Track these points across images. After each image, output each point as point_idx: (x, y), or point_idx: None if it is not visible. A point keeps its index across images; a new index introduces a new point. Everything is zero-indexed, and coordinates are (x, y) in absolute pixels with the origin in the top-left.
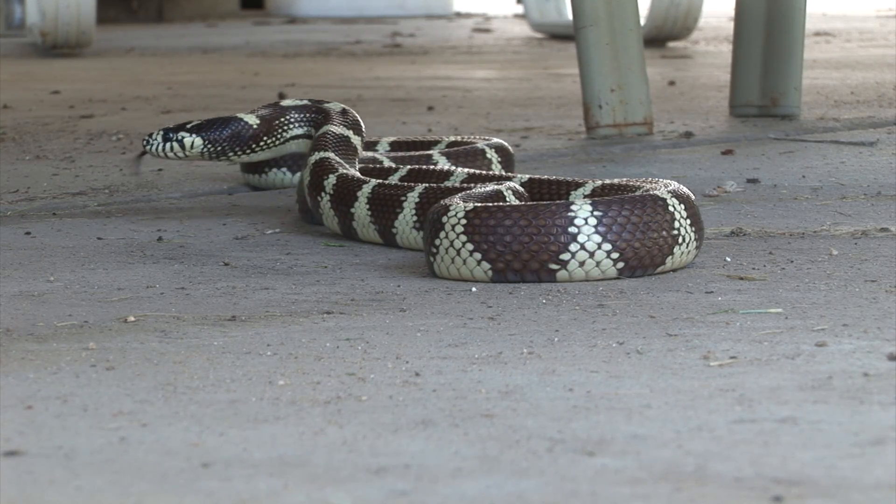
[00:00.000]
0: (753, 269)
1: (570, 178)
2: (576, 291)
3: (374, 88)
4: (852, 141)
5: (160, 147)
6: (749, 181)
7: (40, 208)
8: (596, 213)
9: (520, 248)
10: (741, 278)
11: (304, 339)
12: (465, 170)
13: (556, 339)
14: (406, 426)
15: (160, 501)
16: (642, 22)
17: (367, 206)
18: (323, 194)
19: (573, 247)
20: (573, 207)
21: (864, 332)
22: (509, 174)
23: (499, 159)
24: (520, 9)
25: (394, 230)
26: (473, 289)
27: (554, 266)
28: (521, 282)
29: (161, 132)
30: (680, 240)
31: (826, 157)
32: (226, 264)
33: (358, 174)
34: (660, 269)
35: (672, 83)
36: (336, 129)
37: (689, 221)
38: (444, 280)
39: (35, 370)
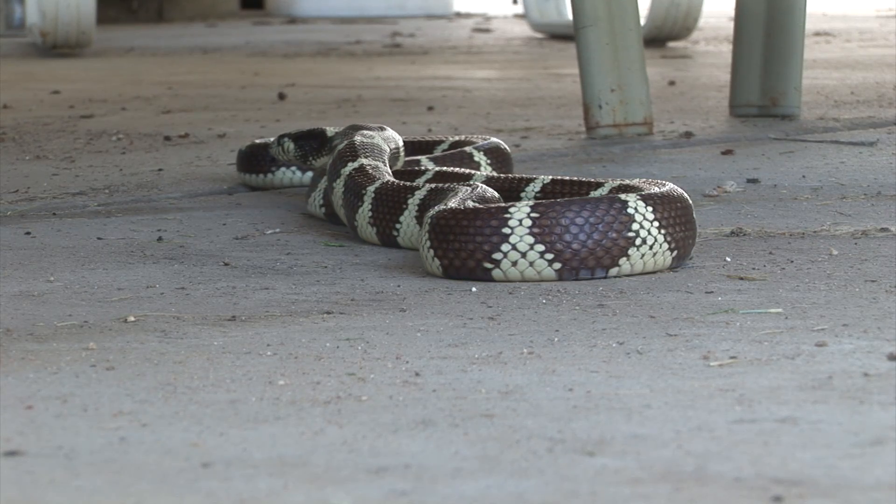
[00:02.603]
0: (753, 269)
1: (590, 179)
2: (576, 291)
3: (374, 88)
4: (852, 141)
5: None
6: (749, 181)
7: (40, 208)
8: (533, 214)
9: (459, 247)
10: (741, 278)
11: (304, 339)
12: (485, 173)
13: (556, 339)
14: (406, 426)
15: (160, 501)
16: (642, 22)
17: (343, 190)
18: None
19: (505, 247)
20: (511, 209)
21: (864, 332)
22: (531, 176)
23: (488, 161)
24: (520, 9)
25: (356, 223)
26: (473, 289)
27: (488, 265)
28: (462, 279)
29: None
30: (639, 242)
31: (826, 157)
32: (226, 264)
33: (359, 151)
34: (613, 271)
35: (672, 83)
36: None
37: (657, 224)
38: (444, 280)
39: (35, 370)
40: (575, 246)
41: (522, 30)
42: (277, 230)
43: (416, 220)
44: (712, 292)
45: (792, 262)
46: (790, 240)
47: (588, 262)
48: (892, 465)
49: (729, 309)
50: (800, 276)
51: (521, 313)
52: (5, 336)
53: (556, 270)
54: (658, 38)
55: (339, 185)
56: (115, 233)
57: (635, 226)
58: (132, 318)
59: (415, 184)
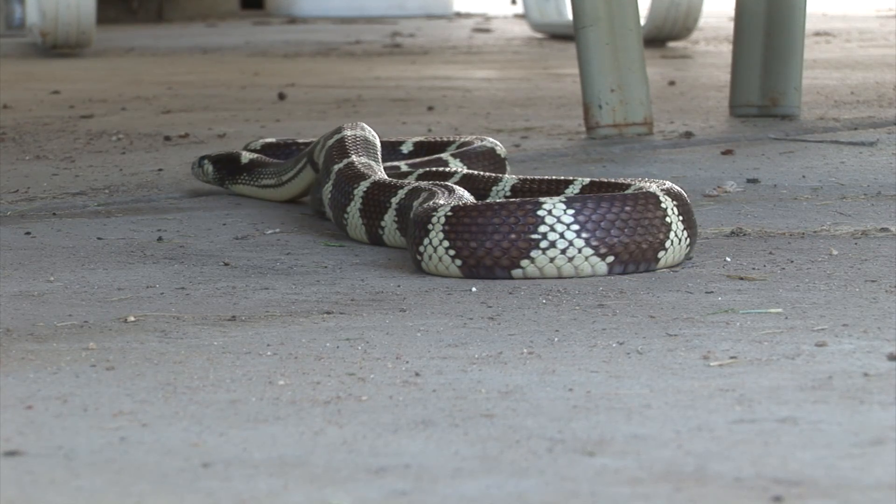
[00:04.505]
0: (753, 269)
1: (623, 181)
2: (576, 291)
3: (374, 88)
4: (852, 141)
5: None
6: (749, 181)
7: (40, 208)
8: (448, 213)
9: (410, 240)
10: (741, 278)
11: (304, 339)
12: (515, 177)
13: (556, 339)
14: (406, 426)
15: (160, 501)
16: (642, 22)
17: (322, 161)
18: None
19: (426, 241)
20: (438, 209)
21: (864, 332)
22: (570, 178)
23: (465, 167)
24: (519, 9)
25: (321, 198)
26: (473, 289)
27: (418, 257)
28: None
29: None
30: (544, 244)
31: (826, 157)
32: (226, 264)
33: (345, 126)
34: (516, 272)
35: (672, 83)
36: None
37: (577, 228)
38: (444, 279)
39: (35, 370)
40: (473, 244)
41: (522, 30)
42: (277, 230)
43: (359, 212)
44: (712, 292)
45: (792, 262)
46: (790, 240)
47: (485, 261)
48: (892, 465)
49: (729, 309)
50: (800, 276)
51: (521, 313)
52: (5, 336)
53: (458, 267)
54: (658, 38)
55: (320, 157)
56: (115, 233)
57: (543, 228)
58: (132, 318)
59: (366, 173)
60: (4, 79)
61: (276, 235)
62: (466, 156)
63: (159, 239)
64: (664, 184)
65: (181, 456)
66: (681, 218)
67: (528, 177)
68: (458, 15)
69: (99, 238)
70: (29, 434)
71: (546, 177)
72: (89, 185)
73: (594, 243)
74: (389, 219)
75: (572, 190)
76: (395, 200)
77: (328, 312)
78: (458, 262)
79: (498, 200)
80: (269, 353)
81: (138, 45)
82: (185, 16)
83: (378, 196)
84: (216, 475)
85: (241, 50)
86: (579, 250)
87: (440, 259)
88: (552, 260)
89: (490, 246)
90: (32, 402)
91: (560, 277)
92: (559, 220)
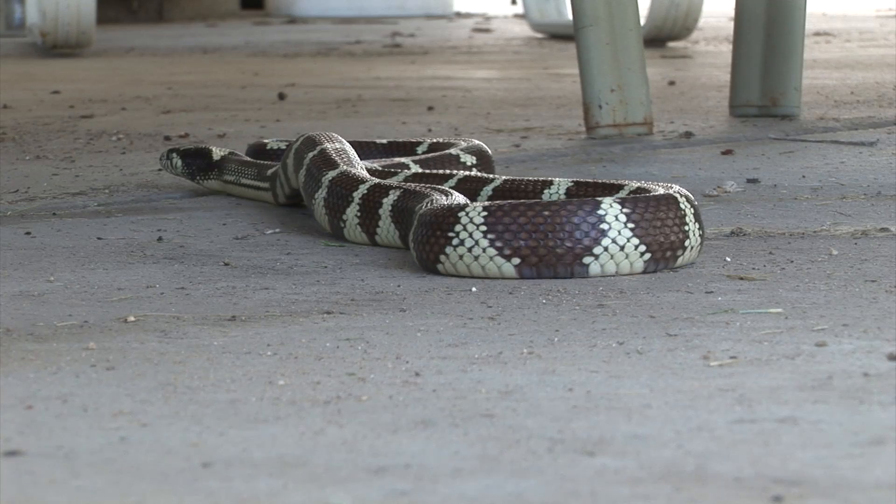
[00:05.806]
0: (753, 269)
1: (656, 184)
2: (576, 291)
3: (374, 88)
4: (852, 141)
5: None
6: (749, 181)
7: (40, 208)
8: (421, 212)
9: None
10: (741, 278)
11: (304, 339)
12: (569, 180)
13: (556, 339)
14: (406, 426)
15: (160, 501)
16: (642, 22)
17: (299, 145)
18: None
19: (409, 236)
20: (420, 209)
21: (864, 332)
22: (622, 182)
23: (419, 170)
24: (519, 9)
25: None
26: (473, 289)
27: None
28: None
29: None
30: (455, 242)
31: (826, 157)
32: (226, 264)
33: (332, 148)
34: (438, 266)
35: (672, 83)
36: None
37: (484, 229)
38: (444, 280)
39: (35, 370)
40: (413, 240)
41: (522, 30)
42: (277, 230)
43: (324, 201)
44: (712, 292)
45: (792, 262)
46: (790, 240)
47: (421, 254)
48: (892, 465)
49: (729, 309)
50: (800, 276)
51: (521, 313)
52: (5, 336)
53: (415, 259)
54: (658, 38)
55: (290, 158)
56: (115, 233)
57: (458, 228)
58: (132, 318)
59: (334, 161)
60: (4, 79)
61: (276, 235)
62: (425, 162)
63: (159, 239)
64: (671, 187)
65: (181, 456)
66: (631, 226)
67: (583, 180)
68: (458, 15)
69: (99, 238)
70: (29, 434)
71: (601, 180)
72: (89, 185)
73: (498, 244)
74: (351, 213)
75: (622, 194)
76: (356, 195)
77: (328, 312)
78: (414, 254)
79: (430, 205)
80: (269, 353)
81: (138, 45)
82: (185, 16)
83: (341, 190)
84: (216, 475)
85: (241, 50)
86: (484, 250)
87: (411, 251)
88: (461, 257)
89: (423, 241)
90: (32, 402)
91: (472, 276)
92: (471, 221)
